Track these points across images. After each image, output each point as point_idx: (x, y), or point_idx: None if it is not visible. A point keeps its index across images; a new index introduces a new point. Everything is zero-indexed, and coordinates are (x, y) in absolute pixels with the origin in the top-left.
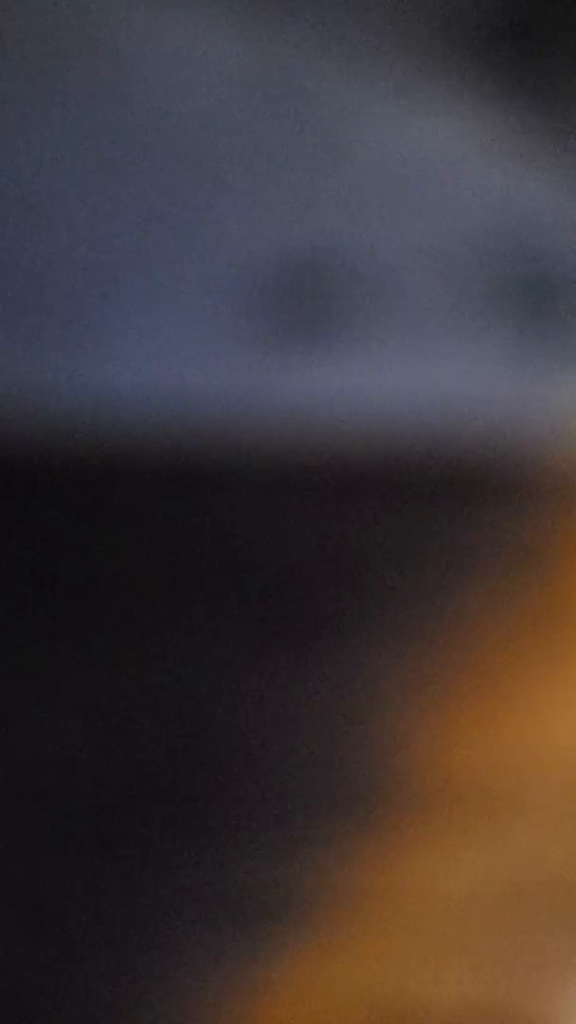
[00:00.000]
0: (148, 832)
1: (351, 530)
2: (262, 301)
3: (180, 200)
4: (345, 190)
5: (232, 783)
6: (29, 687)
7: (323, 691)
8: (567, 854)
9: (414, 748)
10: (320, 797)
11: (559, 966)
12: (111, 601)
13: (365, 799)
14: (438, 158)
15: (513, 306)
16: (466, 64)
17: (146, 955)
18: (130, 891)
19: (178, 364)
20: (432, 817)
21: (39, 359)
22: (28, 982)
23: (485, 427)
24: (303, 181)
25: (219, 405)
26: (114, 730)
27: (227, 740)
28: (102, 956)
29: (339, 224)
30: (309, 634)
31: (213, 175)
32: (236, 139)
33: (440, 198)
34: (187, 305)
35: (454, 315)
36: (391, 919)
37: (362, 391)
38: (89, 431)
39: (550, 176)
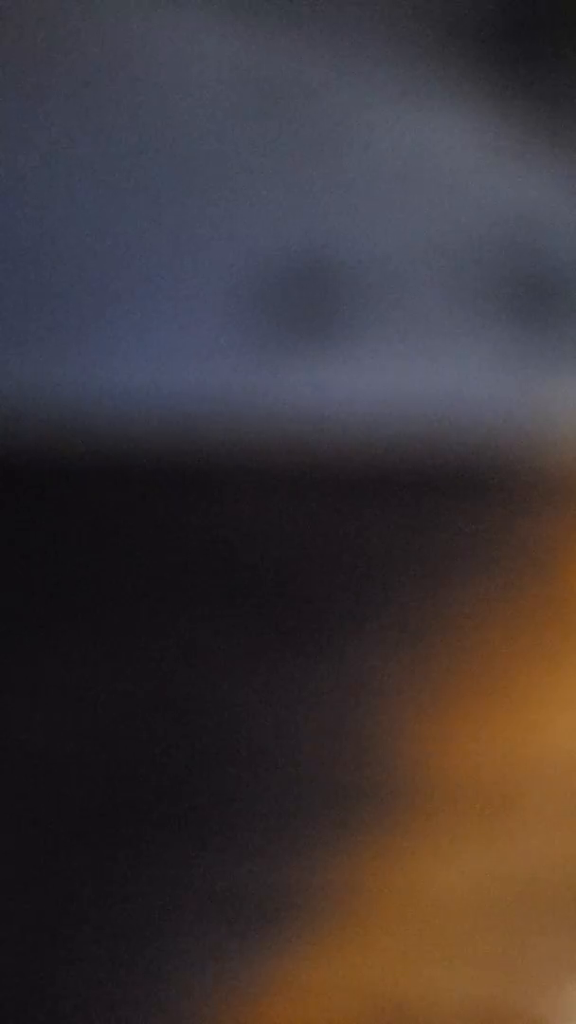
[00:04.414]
0: (148, 832)
1: (351, 530)
2: (262, 301)
3: (179, 200)
4: (345, 190)
5: (232, 783)
6: (28, 687)
7: (323, 691)
8: (567, 854)
9: (414, 748)
10: (320, 797)
11: (559, 966)
12: (110, 601)
13: (365, 799)
14: (438, 157)
15: (513, 306)
16: (466, 64)
17: (146, 955)
18: (130, 891)
19: (178, 364)
20: (432, 817)
21: (39, 359)
22: (27, 982)
23: (485, 427)
24: (303, 181)
25: (219, 405)
26: (113, 729)
27: (227, 739)
28: (101, 956)
29: (339, 224)
30: (309, 634)
31: (212, 175)
32: (236, 139)
33: (440, 198)
34: (187, 304)
35: (454, 315)
36: (391, 919)
37: (362, 390)
38: (89, 431)
39: (550, 176)
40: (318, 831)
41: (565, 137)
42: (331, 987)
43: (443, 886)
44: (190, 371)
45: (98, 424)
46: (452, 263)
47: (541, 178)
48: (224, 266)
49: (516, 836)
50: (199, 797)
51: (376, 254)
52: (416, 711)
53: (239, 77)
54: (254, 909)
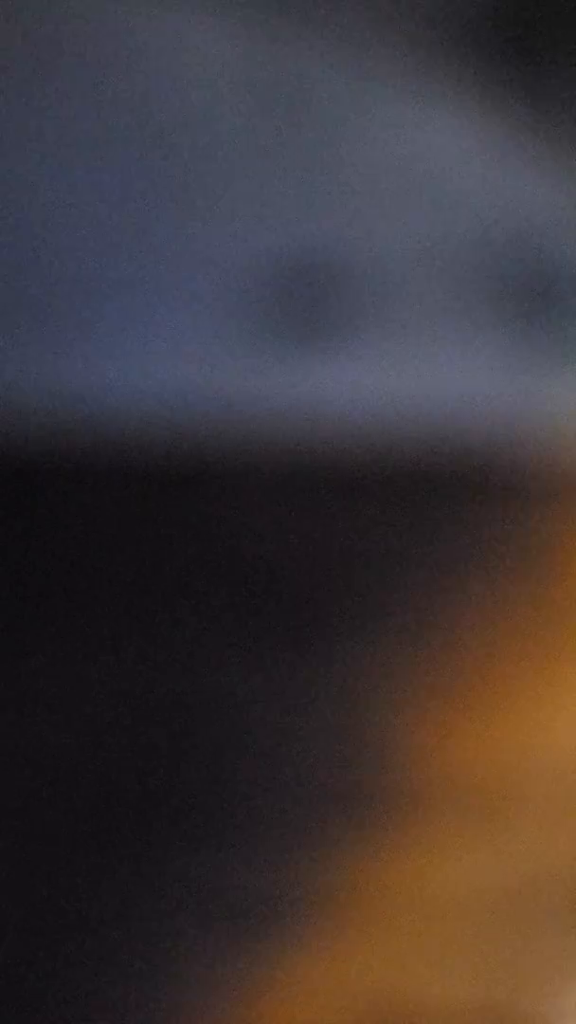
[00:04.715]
0: (148, 832)
1: (351, 530)
2: (262, 301)
3: (179, 200)
4: (345, 190)
5: (232, 783)
6: (27, 688)
7: (323, 691)
8: (567, 854)
9: (414, 748)
10: (320, 797)
11: (559, 966)
12: (109, 601)
13: (365, 799)
14: (438, 158)
15: (513, 306)
16: (466, 64)
17: (146, 955)
18: (130, 891)
19: (177, 364)
20: (432, 817)
21: (37, 359)
22: (28, 982)
23: (485, 427)
24: (303, 181)
25: (218, 405)
26: (113, 729)
27: (227, 740)
28: (101, 956)
29: (339, 224)
30: (309, 634)
31: (212, 175)
32: (235, 138)
33: (440, 198)
34: (186, 305)
35: (454, 315)
36: (391, 919)
37: (362, 391)
38: (87, 431)
39: (550, 176)
40: (318, 831)
41: (565, 137)
42: (331, 987)
43: (443, 886)
44: (189, 371)
45: (97, 424)
46: (452, 263)
47: (541, 178)
48: (224, 266)
49: (516, 836)
50: (199, 797)
51: (376, 254)
52: (416, 711)
53: (239, 77)
54: (254, 909)
